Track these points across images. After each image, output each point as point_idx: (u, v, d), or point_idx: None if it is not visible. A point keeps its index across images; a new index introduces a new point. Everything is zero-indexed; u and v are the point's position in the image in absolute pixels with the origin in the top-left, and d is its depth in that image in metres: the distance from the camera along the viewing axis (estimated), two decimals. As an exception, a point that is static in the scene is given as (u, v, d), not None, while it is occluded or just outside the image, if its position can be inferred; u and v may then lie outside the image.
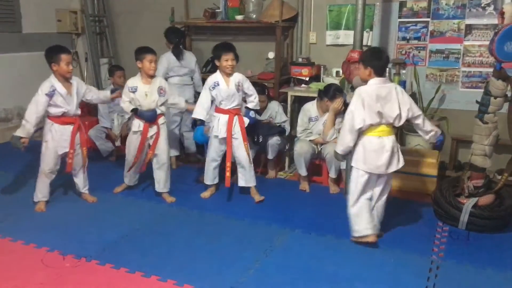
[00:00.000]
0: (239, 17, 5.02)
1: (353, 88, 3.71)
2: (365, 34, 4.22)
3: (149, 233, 3.37)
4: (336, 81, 4.49)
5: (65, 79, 3.61)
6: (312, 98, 4.34)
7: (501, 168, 3.86)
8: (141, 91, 3.74)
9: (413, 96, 4.49)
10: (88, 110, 5.95)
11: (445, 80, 4.47)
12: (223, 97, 3.75)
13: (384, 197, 3.20)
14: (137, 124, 3.80)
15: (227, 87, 3.75)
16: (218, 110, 3.82)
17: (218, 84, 3.75)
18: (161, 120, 3.86)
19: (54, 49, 3.58)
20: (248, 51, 5.37)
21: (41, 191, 3.75)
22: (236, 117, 3.80)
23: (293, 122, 4.70)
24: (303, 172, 4.15)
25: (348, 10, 4.78)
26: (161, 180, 3.93)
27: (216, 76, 3.78)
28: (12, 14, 5.61)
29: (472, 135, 3.46)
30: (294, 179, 4.44)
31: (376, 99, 2.98)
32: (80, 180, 3.89)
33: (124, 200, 3.97)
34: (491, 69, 3.89)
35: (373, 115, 2.97)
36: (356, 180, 3.11)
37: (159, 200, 3.94)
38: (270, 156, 4.37)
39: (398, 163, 3.10)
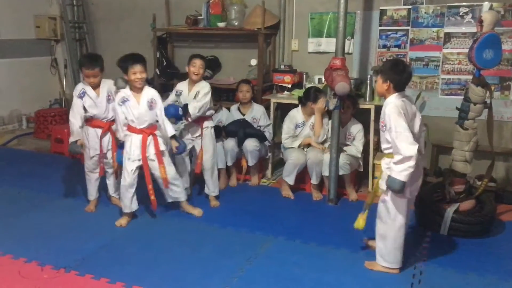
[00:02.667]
0: (221, 24, 5.01)
1: (335, 95, 3.73)
2: (346, 41, 4.25)
3: (130, 242, 3.31)
4: (318, 88, 4.51)
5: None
6: (294, 105, 4.36)
7: (480, 174, 3.92)
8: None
9: (394, 103, 4.53)
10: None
11: (425, 87, 4.53)
12: (134, 115, 3.41)
13: None
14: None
15: (138, 104, 3.42)
16: (130, 129, 3.46)
17: (127, 100, 3.40)
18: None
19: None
20: (230, 58, 5.38)
21: (89, 190, 3.87)
22: (150, 137, 3.47)
23: (276, 129, 4.69)
24: (291, 180, 4.14)
25: (329, 18, 4.82)
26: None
27: (125, 91, 3.43)
28: (-11, 20, 5.51)
29: (452, 141, 3.50)
30: (277, 186, 4.43)
31: (407, 117, 2.71)
32: (111, 184, 3.88)
33: (104, 209, 3.89)
34: (470, 76, 3.96)
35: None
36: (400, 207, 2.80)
37: (140, 209, 3.87)
38: (250, 162, 4.35)
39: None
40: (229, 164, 4.38)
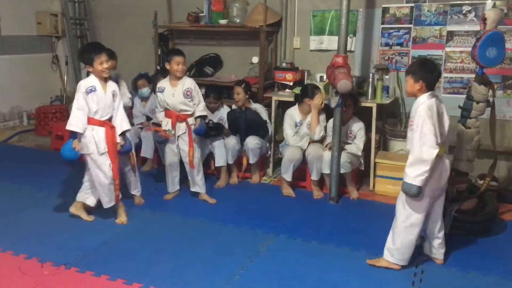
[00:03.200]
0: (223, 22, 5.00)
1: (337, 93, 3.72)
2: (348, 39, 4.24)
3: (131, 239, 3.30)
4: (320, 85, 4.50)
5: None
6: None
7: (483, 173, 3.90)
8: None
9: (396, 101, 4.52)
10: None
11: (427, 85, 4.51)
12: (100, 106, 3.32)
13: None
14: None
15: (104, 93, 3.34)
16: (92, 121, 3.32)
17: (94, 90, 3.28)
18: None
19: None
20: (232, 55, 5.36)
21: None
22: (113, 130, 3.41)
23: (277, 127, 4.68)
24: (288, 177, 4.13)
25: (331, 16, 4.80)
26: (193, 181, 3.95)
27: (91, 80, 3.32)
28: (-10, 16, 5.50)
29: (454, 140, 3.49)
30: (278, 184, 4.41)
31: (438, 116, 2.70)
32: (130, 182, 3.82)
33: (105, 206, 3.89)
34: (472, 75, 3.95)
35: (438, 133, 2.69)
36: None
37: (141, 206, 3.87)
38: (251, 160, 4.35)
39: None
40: (230, 162, 4.37)
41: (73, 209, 3.56)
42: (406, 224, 2.81)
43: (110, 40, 6.07)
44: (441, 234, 2.95)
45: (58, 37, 6.25)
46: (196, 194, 4.02)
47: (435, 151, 2.60)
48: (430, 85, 2.75)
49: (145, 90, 4.78)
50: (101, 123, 3.34)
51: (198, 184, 3.94)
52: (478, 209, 3.43)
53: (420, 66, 2.80)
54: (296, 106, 4.25)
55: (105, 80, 3.36)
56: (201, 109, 3.87)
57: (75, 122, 3.29)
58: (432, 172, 2.66)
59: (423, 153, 2.61)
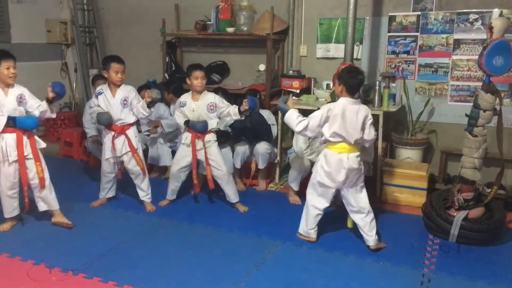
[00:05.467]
0: (230, 30, 5.03)
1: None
2: (355, 47, 4.25)
3: (138, 246, 3.32)
4: (326, 93, 4.51)
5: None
6: (301, 111, 4.31)
7: (490, 181, 3.89)
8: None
9: (402, 109, 4.52)
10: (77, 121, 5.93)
11: (434, 93, 4.52)
12: (3, 111, 3.27)
13: None
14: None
15: (5, 97, 3.29)
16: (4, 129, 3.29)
17: None
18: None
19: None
20: (239, 63, 5.40)
21: (101, 187, 4.03)
22: (26, 137, 3.38)
23: (283, 134, 4.69)
24: (295, 186, 4.13)
25: (338, 24, 4.82)
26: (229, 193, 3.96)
27: None
28: (1, 24, 5.56)
29: (461, 148, 3.48)
30: (284, 191, 4.42)
31: (342, 117, 3.08)
32: (139, 188, 3.92)
33: (112, 212, 3.91)
34: (479, 83, 3.95)
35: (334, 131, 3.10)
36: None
37: (148, 214, 3.89)
38: (261, 165, 4.36)
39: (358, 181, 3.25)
40: (238, 166, 4.39)
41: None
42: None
43: (118, 47, 6.15)
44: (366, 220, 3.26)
45: (67, 44, 6.31)
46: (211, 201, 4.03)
47: (302, 129, 3.15)
48: (350, 90, 3.12)
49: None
50: (10, 130, 3.32)
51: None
52: (485, 218, 3.42)
53: (344, 72, 3.17)
54: None
55: (8, 85, 3.32)
56: (233, 108, 3.85)
57: None
58: (327, 165, 3.17)
59: (299, 124, 3.16)
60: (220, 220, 3.77)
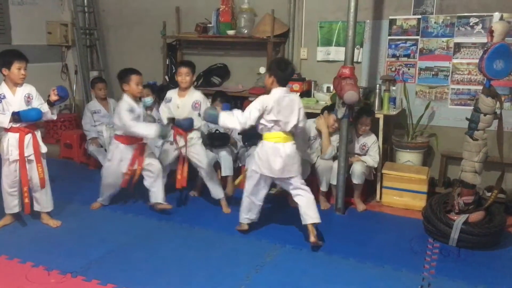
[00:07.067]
0: (230, 32, 5.04)
1: (344, 104, 3.73)
2: (355, 50, 4.25)
3: (137, 248, 3.31)
4: (326, 96, 4.51)
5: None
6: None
7: (490, 185, 3.88)
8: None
9: (403, 112, 4.52)
10: (77, 123, 5.92)
11: (434, 97, 4.52)
12: (10, 110, 3.31)
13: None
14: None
15: (13, 96, 3.35)
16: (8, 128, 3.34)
17: (4, 97, 3.32)
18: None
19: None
20: (239, 66, 5.39)
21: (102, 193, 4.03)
22: (29, 136, 3.40)
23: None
24: None
25: (338, 27, 4.82)
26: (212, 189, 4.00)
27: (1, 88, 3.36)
28: (1, 26, 5.57)
29: (461, 151, 3.48)
30: (284, 194, 4.40)
31: (277, 107, 3.18)
32: (156, 191, 3.89)
33: (112, 215, 3.90)
34: (479, 87, 3.95)
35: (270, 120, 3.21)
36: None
37: (148, 215, 3.88)
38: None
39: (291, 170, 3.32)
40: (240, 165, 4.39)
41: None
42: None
43: (119, 49, 6.16)
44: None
45: (68, 46, 6.32)
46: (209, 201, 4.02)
47: (246, 119, 3.17)
48: (280, 81, 3.22)
49: (149, 99, 4.79)
50: (15, 130, 3.35)
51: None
52: (485, 222, 3.41)
53: (274, 64, 3.27)
54: (311, 121, 4.13)
55: (16, 85, 3.39)
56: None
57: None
58: (264, 154, 3.26)
59: (240, 116, 3.18)
60: (219, 223, 3.76)
